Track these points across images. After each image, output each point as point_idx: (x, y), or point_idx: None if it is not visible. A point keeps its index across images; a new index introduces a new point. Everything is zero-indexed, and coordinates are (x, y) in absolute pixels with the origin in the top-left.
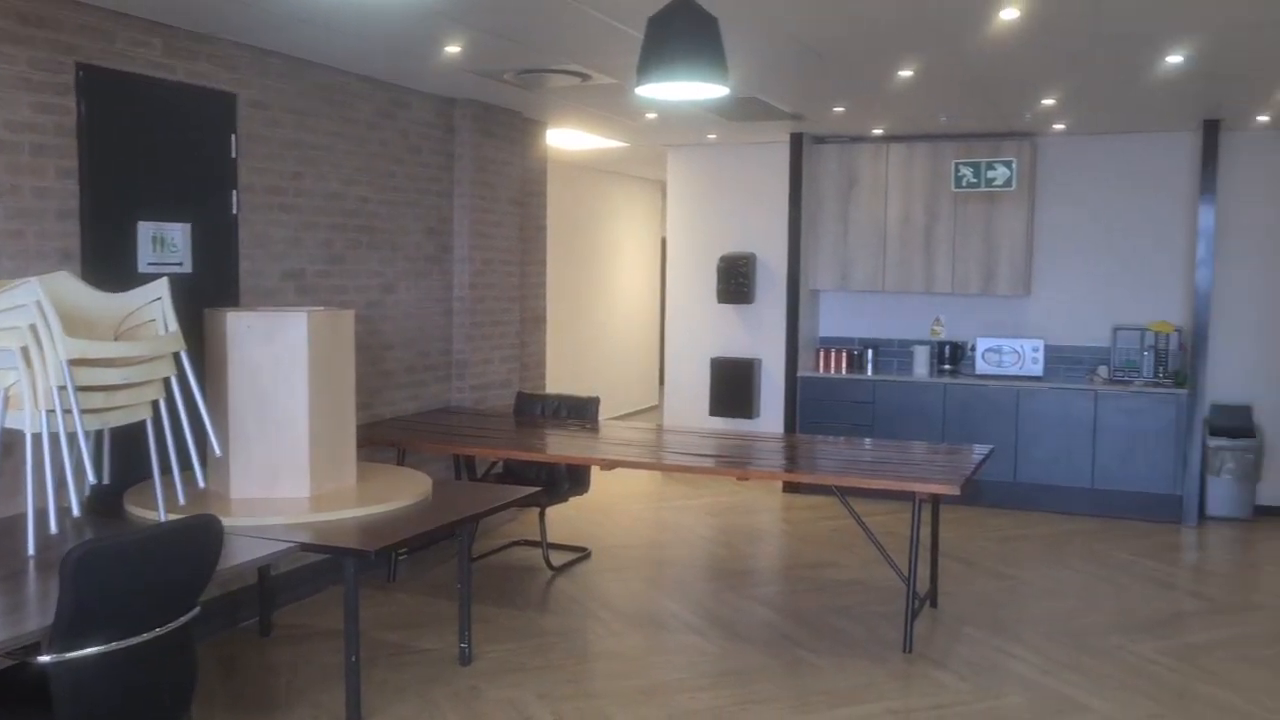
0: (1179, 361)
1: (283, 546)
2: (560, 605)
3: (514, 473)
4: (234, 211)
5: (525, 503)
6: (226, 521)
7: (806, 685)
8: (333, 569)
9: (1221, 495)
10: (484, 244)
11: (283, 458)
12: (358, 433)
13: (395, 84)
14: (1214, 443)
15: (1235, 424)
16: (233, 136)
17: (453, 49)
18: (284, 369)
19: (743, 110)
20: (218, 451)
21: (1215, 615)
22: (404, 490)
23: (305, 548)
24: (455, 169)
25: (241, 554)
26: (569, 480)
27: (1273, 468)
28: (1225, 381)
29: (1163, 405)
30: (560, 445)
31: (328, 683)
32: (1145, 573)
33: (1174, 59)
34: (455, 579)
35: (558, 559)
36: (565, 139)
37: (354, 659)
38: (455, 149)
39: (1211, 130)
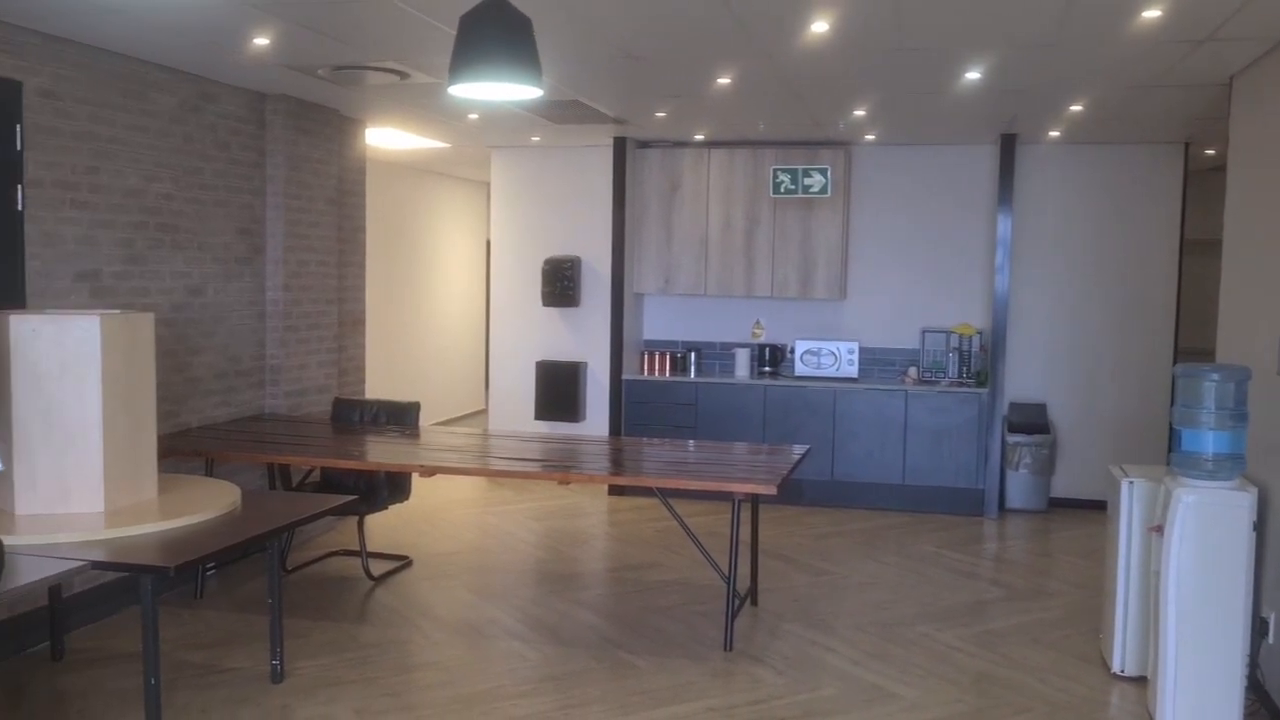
0: (981, 362)
1: (71, 565)
2: (379, 616)
3: (331, 481)
4: (19, 207)
5: (342, 511)
6: (10, 540)
7: (628, 687)
8: (133, 587)
9: (1019, 488)
10: (299, 245)
11: (73, 470)
12: (161, 443)
13: (202, 76)
14: (1012, 439)
15: (1031, 421)
16: (18, 127)
17: (262, 41)
18: (74, 375)
19: (565, 113)
20: (0, 465)
21: (1012, 602)
22: (210, 502)
23: (97, 566)
24: (268, 167)
25: (26, 574)
26: (388, 488)
27: (1065, 462)
28: (1022, 381)
29: (966, 404)
30: (379, 452)
31: (125, 708)
32: (950, 564)
33: (972, 75)
34: (268, 593)
35: (378, 568)
36: (386, 138)
37: (153, 681)
38: (267, 146)
39: (1008, 143)
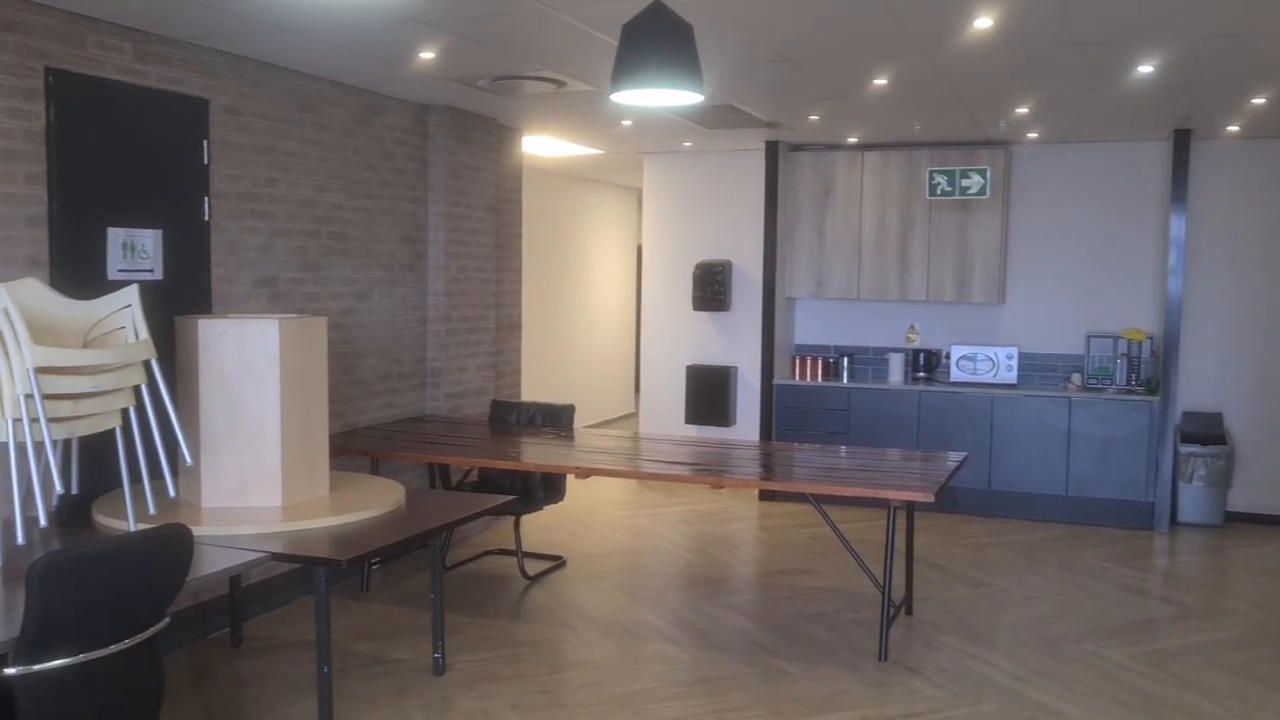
0: (1151, 369)
1: (253, 556)
2: (534, 614)
3: (489, 481)
4: (206, 218)
5: (499, 511)
6: (197, 531)
7: (780, 694)
8: (305, 579)
9: (1193, 502)
10: (459, 251)
11: (254, 466)
12: (331, 441)
13: (370, 90)
14: (1185, 449)
15: (1206, 431)
16: (205, 142)
17: (427, 55)
18: (255, 377)
19: (719, 118)
20: (188, 460)
21: (1186, 621)
22: (377, 499)
23: (276, 557)
24: (430, 175)
25: (212, 564)
26: (544, 488)
27: (1243, 474)
28: (1196, 389)
29: (1135, 412)
30: (535, 453)
31: (298, 694)
32: (1118, 579)
33: (1144, 69)
34: (429, 589)
35: (533, 568)
36: (541, 146)
37: (325, 670)
38: (430, 155)
39: (1182, 140)
